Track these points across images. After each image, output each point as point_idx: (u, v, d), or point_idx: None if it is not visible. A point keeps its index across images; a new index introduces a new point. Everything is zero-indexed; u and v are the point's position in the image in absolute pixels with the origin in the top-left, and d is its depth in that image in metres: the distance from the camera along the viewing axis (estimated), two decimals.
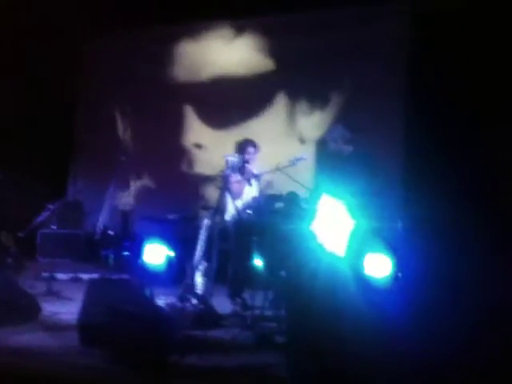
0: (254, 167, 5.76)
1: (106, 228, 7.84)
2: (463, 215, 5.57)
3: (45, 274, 6.28)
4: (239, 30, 8.34)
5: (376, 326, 3.36)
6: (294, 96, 7.96)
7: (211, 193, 7.35)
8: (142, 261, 6.59)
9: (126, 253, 7.32)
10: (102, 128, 9.03)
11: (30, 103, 8.11)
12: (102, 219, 6.30)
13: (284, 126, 8.03)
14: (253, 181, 5.75)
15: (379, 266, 4.75)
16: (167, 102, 8.59)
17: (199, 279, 5.17)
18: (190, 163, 8.53)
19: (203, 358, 3.85)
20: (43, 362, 3.85)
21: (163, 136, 8.58)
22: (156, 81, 8.69)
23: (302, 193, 5.75)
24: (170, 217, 7.16)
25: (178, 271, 6.13)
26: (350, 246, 4.05)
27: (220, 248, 5.26)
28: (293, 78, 7.82)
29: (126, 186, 7.86)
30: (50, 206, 6.94)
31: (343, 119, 7.23)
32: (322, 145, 6.97)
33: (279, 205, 5.56)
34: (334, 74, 7.67)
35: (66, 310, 5.06)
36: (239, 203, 5.54)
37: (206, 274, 5.18)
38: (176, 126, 8.61)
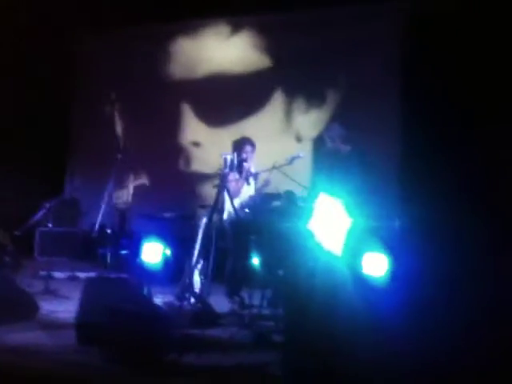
0: (251, 165, 5.76)
1: (103, 226, 7.82)
2: (460, 214, 5.59)
3: (42, 273, 6.28)
4: (236, 27, 8.33)
5: (373, 325, 3.37)
6: (290, 94, 7.96)
7: (208, 191, 7.34)
8: (140, 259, 6.58)
9: (124, 251, 7.31)
10: (98, 126, 9.01)
11: (26, 102, 8.09)
12: (99, 217, 6.28)
13: (281, 124, 8.03)
14: (250, 179, 5.75)
15: (376, 265, 4.75)
16: (164, 99, 8.57)
17: (197, 278, 5.18)
18: (187, 161, 8.53)
19: (201, 357, 3.85)
20: (40, 361, 3.84)
21: (160, 134, 8.57)
22: (152, 78, 8.68)
23: (299, 191, 5.75)
24: (167, 215, 7.15)
25: (176, 270, 6.12)
26: (347, 245, 4.05)
27: (217, 247, 5.25)
28: (290, 75, 7.82)
29: (123, 184, 7.84)
30: (47, 204, 6.92)
31: (340, 117, 7.23)
32: (319, 143, 6.97)
33: (276, 203, 5.56)
34: (331, 72, 7.67)
35: (64, 308, 5.06)
36: (237, 202, 5.54)
37: (203, 273, 5.19)
38: (173, 124, 8.61)
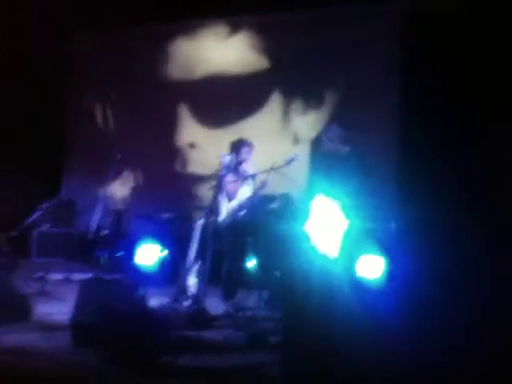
0: (248, 167, 5.73)
1: (99, 227, 7.81)
2: (459, 215, 5.59)
3: (39, 274, 6.26)
4: (235, 27, 8.31)
5: (369, 327, 3.36)
6: (288, 95, 7.94)
7: (205, 192, 7.32)
8: (136, 261, 6.56)
9: (120, 253, 7.29)
10: (95, 127, 9.00)
11: (24, 103, 8.07)
12: (96, 218, 6.27)
13: (279, 125, 8.01)
14: (248, 181, 5.73)
15: (373, 267, 4.74)
16: (161, 100, 8.55)
17: (193, 280, 5.16)
18: (184, 162, 8.51)
19: (196, 358, 3.86)
20: (35, 362, 3.85)
21: (157, 135, 8.55)
22: (150, 79, 8.66)
23: (296, 193, 5.74)
24: (164, 216, 7.13)
25: (172, 271, 6.11)
26: (343, 247, 4.04)
27: (214, 248, 5.24)
28: (288, 76, 7.80)
29: (120, 185, 7.82)
30: (43, 205, 6.91)
31: (338, 118, 7.21)
32: (317, 144, 6.95)
33: (273, 205, 5.55)
34: (330, 72, 7.65)
35: (59, 310, 5.04)
36: (234, 203, 5.52)
37: (199, 275, 5.16)
38: (170, 125, 8.59)
